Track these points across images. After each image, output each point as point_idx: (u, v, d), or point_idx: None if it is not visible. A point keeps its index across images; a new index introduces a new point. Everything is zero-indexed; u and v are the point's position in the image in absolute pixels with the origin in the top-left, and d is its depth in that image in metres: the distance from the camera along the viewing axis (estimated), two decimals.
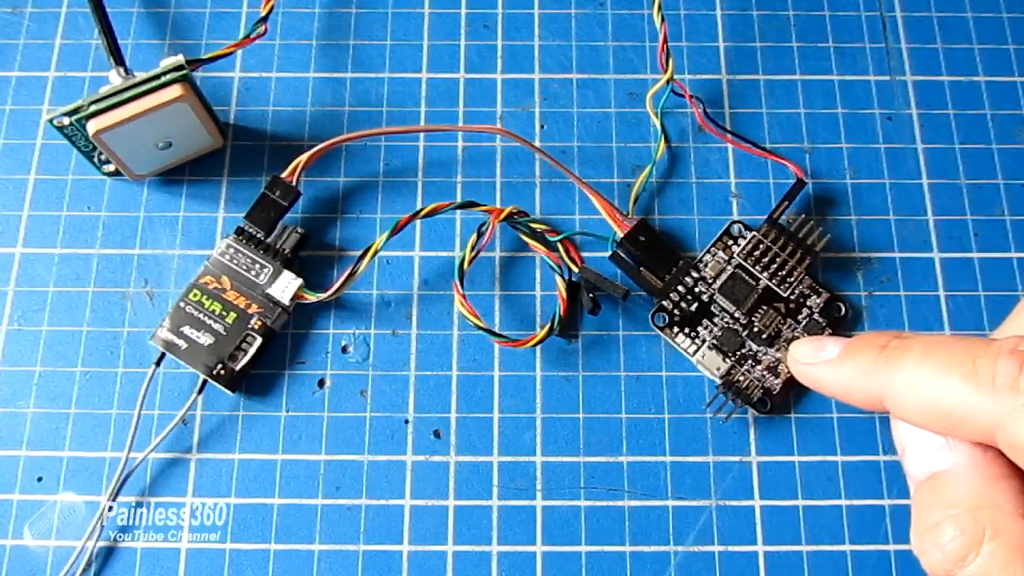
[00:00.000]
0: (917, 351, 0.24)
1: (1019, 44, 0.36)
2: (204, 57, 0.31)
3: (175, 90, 0.30)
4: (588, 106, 0.35)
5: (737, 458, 0.30)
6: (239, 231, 0.31)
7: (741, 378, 0.31)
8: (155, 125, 0.30)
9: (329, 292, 0.30)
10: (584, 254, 0.32)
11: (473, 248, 0.31)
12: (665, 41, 0.32)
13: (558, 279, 0.31)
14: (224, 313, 0.30)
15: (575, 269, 0.31)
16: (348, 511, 0.30)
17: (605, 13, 0.37)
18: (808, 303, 0.32)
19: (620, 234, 0.32)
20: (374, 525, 0.29)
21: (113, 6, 0.33)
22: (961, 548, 0.21)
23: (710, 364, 0.31)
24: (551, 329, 0.30)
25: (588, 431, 0.31)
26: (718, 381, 0.31)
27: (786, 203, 0.32)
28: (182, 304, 0.31)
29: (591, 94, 0.35)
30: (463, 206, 0.32)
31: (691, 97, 0.34)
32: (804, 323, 0.31)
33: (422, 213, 0.31)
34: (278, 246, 0.32)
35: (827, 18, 0.37)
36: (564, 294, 0.31)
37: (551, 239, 0.32)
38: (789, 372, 0.30)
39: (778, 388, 0.31)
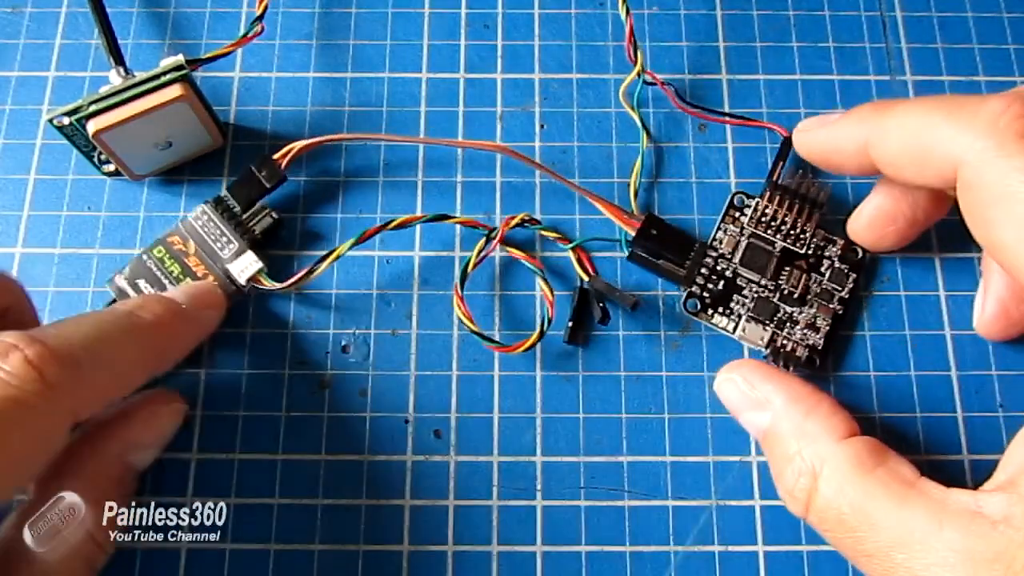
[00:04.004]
0: (912, 99, 0.26)
1: (1019, 44, 0.36)
2: (204, 57, 0.31)
3: (175, 90, 0.30)
4: (588, 106, 0.35)
5: (737, 458, 0.30)
6: (217, 200, 0.31)
7: (785, 342, 0.31)
8: (155, 125, 0.30)
9: (285, 284, 0.30)
10: (596, 255, 0.33)
11: (479, 252, 0.31)
12: (632, 34, 0.33)
13: (541, 282, 0.31)
14: (181, 277, 0.31)
15: (587, 278, 0.31)
16: (348, 511, 0.30)
17: (605, 13, 0.37)
18: (827, 253, 0.32)
19: (631, 233, 0.32)
20: (374, 525, 0.29)
21: (113, 6, 0.33)
22: (805, 486, 0.24)
23: (753, 336, 0.31)
24: (541, 333, 0.30)
25: (588, 431, 0.31)
26: (765, 351, 0.31)
27: (781, 163, 0.33)
28: (144, 257, 0.31)
29: (591, 94, 0.35)
30: (437, 218, 0.32)
31: (663, 84, 0.34)
32: (828, 274, 0.32)
33: (392, 225, 0.31)
34: (250, 225, 0.32)
35: (827, 18, 0.37)
36: (550, 296, 0.31)
37: (563, 247, 0.32)
38: (829, 325, 0.31)
39: (822, 343, 0.31)
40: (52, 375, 0.22)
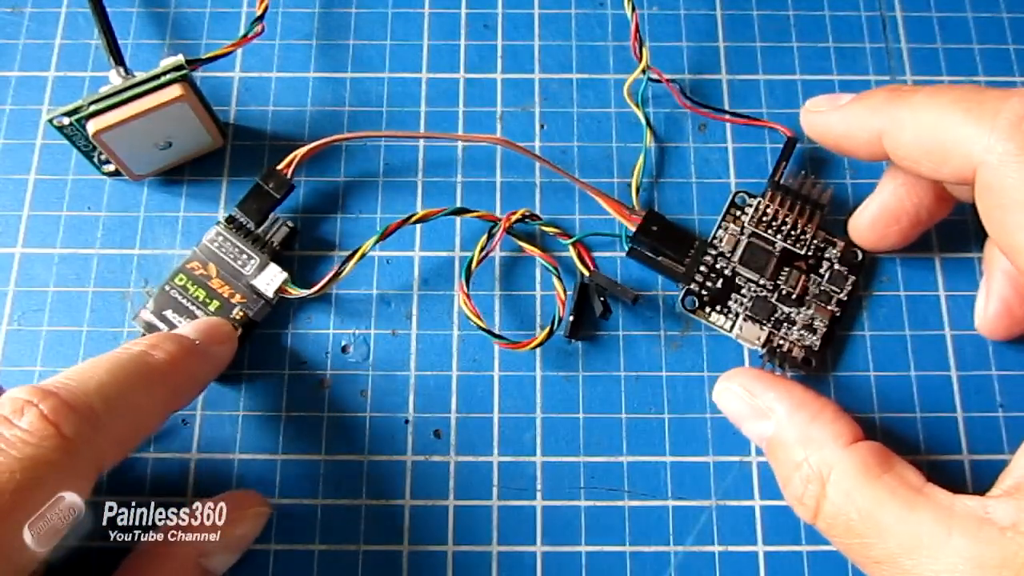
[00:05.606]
0: (928, 89, 0.25)
1: (1019, 44, 0.36)
2: (204, 57, 0.31)
3: (175, 90, 0.30)
4: (588, 106, 0.35)
5: (737, 458, 0.30)
6: (230, 219, 0.32)
7: (781, 342, 0.31)
8: (155, 125, 0.30)
9: (314, 289, 0.30)
10: (595, 254, 0.33)
11: (482, 250, 0.31)
12: (637, 30, 0.33)
13: (555, 280, 0.31)
14: (207, 301, 0.31)
15: (587, 273, 0.31)
16: (348, 511, 0.30)
17: (605, 13, 0.37)
18: (827, 255, 0.32)
19: (632, 228, 0.32)
20: (374, 525, 0.29)
21: (113, 6, 0.33)
22: (815, 493, 0.23)
23: (749, 335, 0.31)
24: (551, 331, 0.30)
25: (588, 431, 0.31)
26: (761, 351, 0.31)
27: (783, 163, 0.33)
28: (167, 287, 0.31)
29: (591, 94, 0.35)
30: (456, 212, 0.32)
31: (668, 81, 0.34)
32: (827, 275, 0.32)
33: (413, 219, 0.31)
34: (267, 238, 0.32)
35: (827, 18, 0.37)
36: (562, 295, 0.31)
37: (563, 242, 0.32)
38: (826, 327, 0.30)
39: (818, 345, 0.31)
40: (70, 429, 0.21)
